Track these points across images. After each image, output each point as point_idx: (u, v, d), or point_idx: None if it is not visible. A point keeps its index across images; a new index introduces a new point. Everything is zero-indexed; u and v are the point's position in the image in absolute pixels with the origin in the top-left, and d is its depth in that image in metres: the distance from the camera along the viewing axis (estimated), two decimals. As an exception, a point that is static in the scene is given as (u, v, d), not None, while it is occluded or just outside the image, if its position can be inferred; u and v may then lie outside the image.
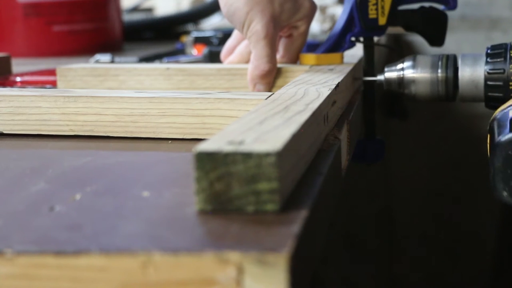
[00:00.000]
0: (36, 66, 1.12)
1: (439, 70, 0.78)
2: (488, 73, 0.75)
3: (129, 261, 0.36)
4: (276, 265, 0.35)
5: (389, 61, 0.84)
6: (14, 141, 0.65)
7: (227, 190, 0.41)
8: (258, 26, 0.77)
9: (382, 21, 0.82)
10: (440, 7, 0.85)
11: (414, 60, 0.79)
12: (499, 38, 1.59)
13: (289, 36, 0.83)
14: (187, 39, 1.28)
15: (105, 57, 1.07)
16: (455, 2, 0.84)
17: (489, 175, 0.61)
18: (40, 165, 0.55)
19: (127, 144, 0.63)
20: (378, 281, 1.73)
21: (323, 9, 1.54)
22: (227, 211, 0.41)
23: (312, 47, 0.88)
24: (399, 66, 0.80)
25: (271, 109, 0.53)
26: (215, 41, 1.17)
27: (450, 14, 0.85)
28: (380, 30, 0.83)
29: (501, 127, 0.63)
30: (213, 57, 1.03)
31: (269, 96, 0.61)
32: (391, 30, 0.89)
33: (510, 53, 0.74)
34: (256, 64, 0.77)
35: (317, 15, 1.46)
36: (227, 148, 0.41)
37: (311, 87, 0.64)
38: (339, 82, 0.67)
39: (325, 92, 0.61)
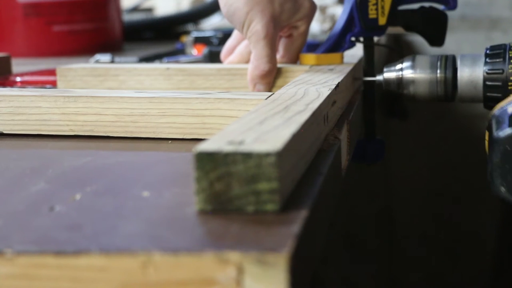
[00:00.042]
0: (36, 66, 1.12)
1: (438, 71, 0.78)
2: (487, 73, 0.75)
3: (129, 261, 0.36)
4: (276, 265, 0.35)
5: (389, 61, 0.84)
6: (14, 141, 0.65)
7: (227, 190, 0.41)
8: (258, 26, 0.77)
9: (382, 21, 0.82)
10: (440, 7, 0.85)
11: (413, 60, 0.79)
12: (499, 38, 1.59)
13: (289, 36, 0.83)
14: (187, 39, 1.28)
15: (105, 57, 1.07)
16: (455, 2, 0.84)
17: (487, 170, 0.61)
18: (40, 165, 0.55)
19: (127, 144, 0.63)
20: (378, 281, 1.73)
21: (323, 9, 1.54)
22: (227, 211, 0.41)
23: (312, 47, 0.88)
24: (398, 66, 0.80)
25: (271, 109, 0.53)
26: (215, 41, 1.17)
27: (450, 14, 0.85)
28: (380, 30, 0.83)
29: (499, 123, 0.63)
30: (213, 57, 1.03)
31: (269, 96, 0.61)
32: (391, 30, 0.89)
33: (509, 54, 0.74)
34: (256, 64, 0.77)
35: (317, 15, 1.46)
36: (227, 148, 0.41)
37: (311, 87, 0.64)
38: (339, 82, 0.67)
39: (325, 92, 0.61)
